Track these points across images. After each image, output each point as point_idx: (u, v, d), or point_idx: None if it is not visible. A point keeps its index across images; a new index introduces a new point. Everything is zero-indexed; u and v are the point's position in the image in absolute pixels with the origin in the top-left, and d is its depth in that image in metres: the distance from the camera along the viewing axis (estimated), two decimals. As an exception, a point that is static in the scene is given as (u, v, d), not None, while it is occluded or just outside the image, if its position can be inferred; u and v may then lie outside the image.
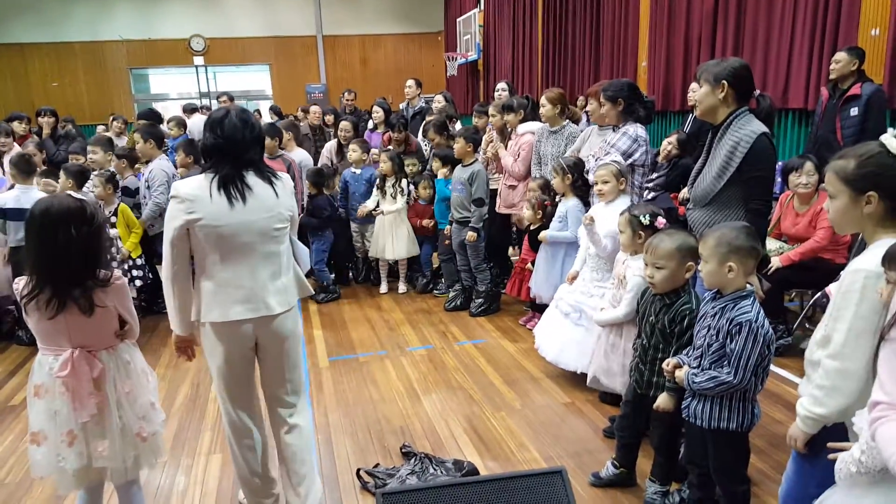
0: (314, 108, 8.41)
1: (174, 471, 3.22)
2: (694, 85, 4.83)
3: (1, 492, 3.16)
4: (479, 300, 5.27)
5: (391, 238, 5.69)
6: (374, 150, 6.13)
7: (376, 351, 4.66)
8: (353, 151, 5.88)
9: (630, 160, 3.88)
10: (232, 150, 2.41)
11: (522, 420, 3.56)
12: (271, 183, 2.50)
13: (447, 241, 5.44)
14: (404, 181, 5.72)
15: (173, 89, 16.56)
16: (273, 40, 15.51)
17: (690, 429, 2.48)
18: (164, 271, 2.44)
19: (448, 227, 5.41)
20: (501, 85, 6.28)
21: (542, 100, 4.85)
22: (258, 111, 12.30)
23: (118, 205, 5.03)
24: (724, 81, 2.86)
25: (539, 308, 4.62)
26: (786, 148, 6.22)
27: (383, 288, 6.00)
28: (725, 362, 2.27)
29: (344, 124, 6.56)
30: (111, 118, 8.72)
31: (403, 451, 3.27)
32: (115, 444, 2.28)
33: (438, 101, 6.65)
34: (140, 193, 5.41)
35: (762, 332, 2.23)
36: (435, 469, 3.07)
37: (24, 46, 14.76)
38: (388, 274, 6.06)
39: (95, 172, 5.13)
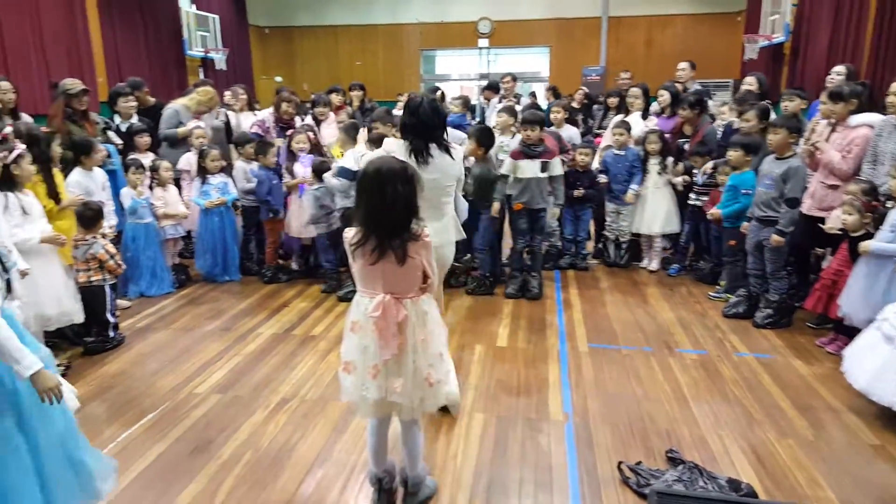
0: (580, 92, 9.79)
1: (440, 419, 3.39)
2: None
3: (303, 405, 3.61)
4: (768, 310, 4.70)
5: (649, 211, 6.00)
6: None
7: (641, 346, 4.44)
8: (621, 135, 6.04)
9: None
10: (422, 128, 3.30)
11: (815, 453, 3.12)
12: (448, 153, 3.37)
13: (732, 242, 4.97)
14: (670, 159, 5.88)
15: (455, 70, 17.49)
16: (555, 22, 15.56)
17: None
18: None
19: (745, 223, 4.88)
20: (839, 69, 5.48)
21: (894, 87, 4.14)
22: (533, 93, 12.44)
23: None
24: None
25: (846, 330, 4.00)
26: None
27: (644, 263, 6.29)
28: None
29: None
30: (399, 95, 9.42)
31: (669, 455, 3.08)
32: (407, 384, 2.45)
33: (750, 84, 6.04)
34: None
35: None
36: (706, 483, 2.85)
37: (336, 28, 16.67)
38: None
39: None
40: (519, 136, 5.57)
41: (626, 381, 3.90)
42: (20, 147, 3.60)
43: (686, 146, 5.85)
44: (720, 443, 3.23)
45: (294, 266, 6.16)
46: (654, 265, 6.21)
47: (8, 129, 3.74)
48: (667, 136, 5.99)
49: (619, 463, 2.99)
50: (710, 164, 5.52)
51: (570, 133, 6.58)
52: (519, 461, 3.06)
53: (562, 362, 4.17)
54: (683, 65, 7.05)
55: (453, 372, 2.93)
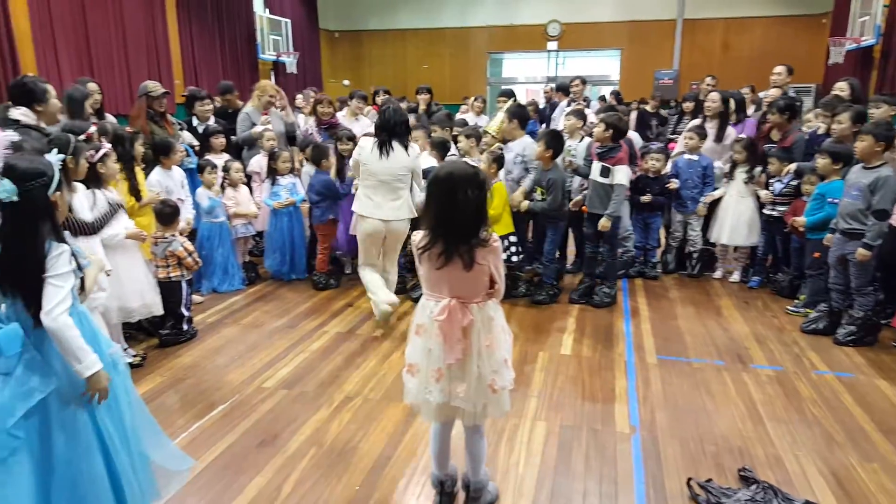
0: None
1: (503, 426, 3.36)
2: None
3: (366, 404, 3.65)
4: (851, 327, 4.46)
5: (732, 221, 5.79)
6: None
7: (713, 360, 4.29)
8: (691, 139, 5.94)
9: None
10: (387, 128, 4.52)
11: (902, 480, 2.94)
12: (406, 149, 4.59)
13: (817, 254, 4.74)
14: (758, 169, 5.64)
15: (521, 73, 17.39)
16: (627, 24, 15.27)
17: None
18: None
19: (829, 235, 4.65)
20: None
21: None
22: (602, 97, 12.20)
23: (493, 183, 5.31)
24: None
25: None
26: None
27: (717, 274, 6.12)
28: None
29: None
30: (472, 99, 9.31)
31: (742, 474, 2.97)
32: (470, 389, 2.43)
33: (841, 89, 5.75)
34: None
35: None
36: (781, 504, 2.73)
37: (405, 32, 16.84)
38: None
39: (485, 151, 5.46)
40: (587, 140, 5.50)
41: (697, 396, 3.78)
42: (106, 146, 3.77)
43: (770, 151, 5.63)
44: (797, 464, 3.08)
45: (348, 270, 6.18)
46: (736, 276, 5.99)
47: (92, 129, 3.93)
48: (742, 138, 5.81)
49: (689, 479, 2.90)
50: (792, 167, 5.28)
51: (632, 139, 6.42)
52: (583, 472, 3.00)
53: (629, 373, 4.07)
54: (780, 69, 6.73)
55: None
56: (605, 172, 5.03)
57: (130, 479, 2.27)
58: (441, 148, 5.38)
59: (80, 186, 3.54)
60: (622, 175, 5.02)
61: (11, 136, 2.63)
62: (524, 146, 5.43)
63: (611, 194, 5.04)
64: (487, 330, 2.45)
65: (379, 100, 7.10)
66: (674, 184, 5.92)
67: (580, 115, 5.93)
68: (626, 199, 5.45)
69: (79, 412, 2.15)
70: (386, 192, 4.61)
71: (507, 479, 2.93)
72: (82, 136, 3.62)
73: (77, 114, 4.60)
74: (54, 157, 2.17)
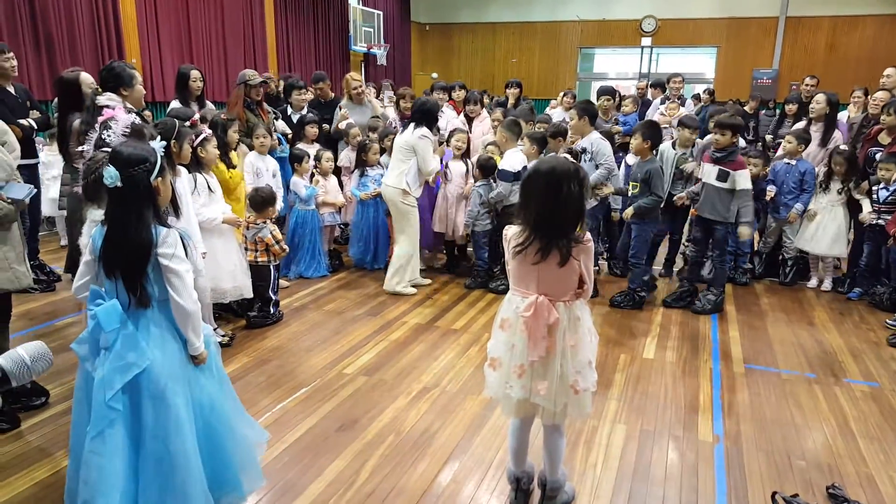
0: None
1: (581, 427, 3.32)
2: None
3: (443, 396, 3.70)
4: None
5: (817, 229, 5.61)
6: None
7: (804, 372, 4.10)
8: (790, 142, 5.69)
9: None
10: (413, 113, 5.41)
11: None
12: (412, 132, 5.27)
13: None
14: (858, 182, 5.43)
15: (613, 69, 17.02)
16: (727, 21, 14.70)
17: None
18: None
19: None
20: None
21: None
22: (698, 95, 11.77)
23: None
24: None
25: None
26: None
27: (812, 283, 5.89)
28: None
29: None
30: (561, 94, 9.16)
31: (831, 491, 2.84)
32: (551, 388, 2.41)
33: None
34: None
35: None
36: (873, 527, 2.59)
37: (495, 26, 16.80)
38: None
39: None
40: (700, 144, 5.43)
41: (785, 408, 3.62)
42: (207, 131, 3.95)
43: (878, 156, 5.31)
44: (891, 485, 2.92)
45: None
46: (827, 285, 5.75)
47: (197, 116, 4.12)
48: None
49: (774, 493, 2.79)
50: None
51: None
52: (662, 479, 2.93)
53: (714, 381, 3.95)
54: (890, 70, 6.34)
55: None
56: (723, 176, 4.83)
57: (228, 453, 2.38)
58: (542, 143, 5.34)
59: (182, 170, 3.72)
60: (745, 179, 4.83)
61: (135, 119, 2.77)
62: (591, 142, 5.32)
63: (726, 200, 4.86)
64: (573, 330, 2.42)
65: (455, 94, 7.12)
66: (771, 191, 5.67)
67: (693, 123, 5.63)
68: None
69: (168, 389, 2.22)
70: (393, 163, 5.35)
71: (583, 480, 2.91)
72: (187, 123, 3.81)
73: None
74: (157, 144, 2.27)
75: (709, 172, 4.92)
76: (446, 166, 5.84)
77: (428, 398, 3.64)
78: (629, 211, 5.07)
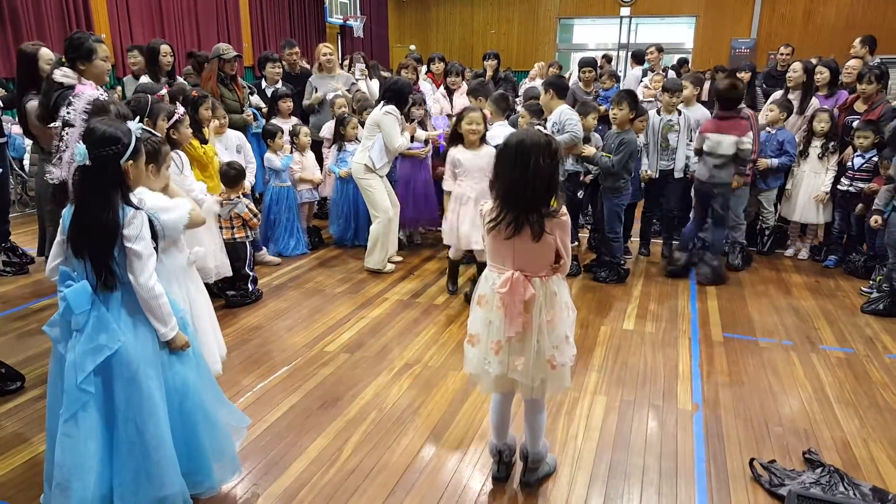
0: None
1: (562, 399, 3.35)
2: None
3: (425, 371, 3.70)
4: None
5: (804, 198, 5.66)
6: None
7: (780, 339, 4.16)
8: (771, 111, 5.70)
9: None
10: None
11: (982, 473, 2.80)
12: (380, 109, 5.24)
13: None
14: (832, 144, 5.50)
15: (592, 40, 16.91)
16: (706, -10, 14.64)
17: None
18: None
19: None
20: None
21: None
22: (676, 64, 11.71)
23: None
24: None
25: None
26: None
27: (789, 252, 5.95)
28: None
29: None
30: (536, 64, 9.13)
31: (807, 456, 2.89)
32: (528, 363, 2.41)
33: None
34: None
35: None
36: (847, 488, 2.66)
37: (473, -3, 16.59)
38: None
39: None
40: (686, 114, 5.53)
41: (762, 375, 3.68)
42: (180, 111, 3.86)
43: (855, 123, 5.34)
44: (865, 449, 2.98)
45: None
46: (804, 254, 5.82)
47: (163, 91, 4.02)
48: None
49: (752, 459, 2.83)
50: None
51: (700, 115, 6.09)
52: (642, 447, 2.97)
53: (693, 350, 3.99)
54: (855, 42, 6.39)
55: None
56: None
57: (201, 441, 2.36)
58: (539, 114, 5.31)
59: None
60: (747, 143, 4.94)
61: (101, 94, 2.68)
62: (560, 112, 5.25)
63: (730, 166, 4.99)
64: (550, 305, 2.41)
65: (434, 67, 6.97)
66: (764, 162, 5.58)
67: (698, 81, 5.79)
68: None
69: (140, 373, 2.19)
70: (363, 140, 5.40)
71: (565, 451, 2.94)
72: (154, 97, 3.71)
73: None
74: (134, 125, 2.22)
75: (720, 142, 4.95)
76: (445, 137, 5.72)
77: (410, 374, 3.65)
78: (592, 167, 5.19)
